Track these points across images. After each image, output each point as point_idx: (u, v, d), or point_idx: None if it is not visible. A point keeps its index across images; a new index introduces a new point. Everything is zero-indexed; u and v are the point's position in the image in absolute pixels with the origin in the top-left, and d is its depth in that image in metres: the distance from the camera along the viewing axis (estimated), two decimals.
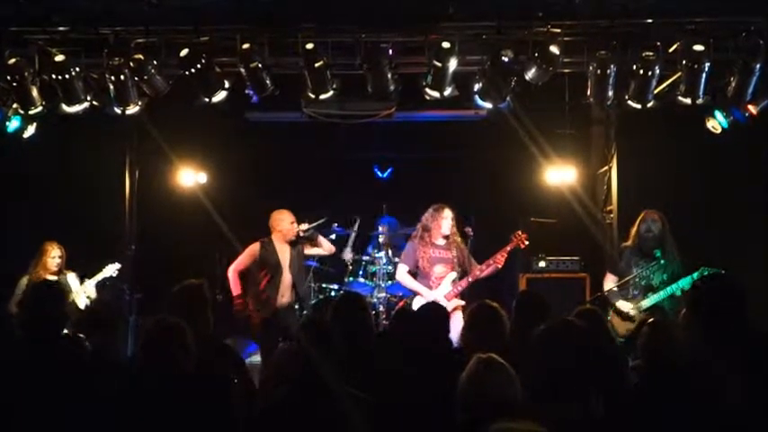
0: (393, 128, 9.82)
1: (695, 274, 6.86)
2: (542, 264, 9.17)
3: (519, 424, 1.53)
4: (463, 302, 7.88)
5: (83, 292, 8.27)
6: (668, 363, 4.34)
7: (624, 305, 7.30)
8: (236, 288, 8.07)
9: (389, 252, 9.42)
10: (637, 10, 7.08)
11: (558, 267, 9.17)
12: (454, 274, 7.92)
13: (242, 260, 8.19)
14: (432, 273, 7.98)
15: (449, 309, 7.52)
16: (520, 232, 8.09)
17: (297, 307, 8.34)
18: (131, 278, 9.41)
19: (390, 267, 9.12)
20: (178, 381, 3.89)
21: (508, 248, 7.97)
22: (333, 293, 9.34)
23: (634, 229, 7.48)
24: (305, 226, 8.32)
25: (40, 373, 4.06)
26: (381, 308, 9.08)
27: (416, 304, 7.90)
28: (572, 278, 9.10)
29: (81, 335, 4.56)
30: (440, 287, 7.91)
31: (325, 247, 8.58)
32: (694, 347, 3.69)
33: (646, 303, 7.23)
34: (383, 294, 9.16)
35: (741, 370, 3.44)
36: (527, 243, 8.13)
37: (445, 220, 8.00)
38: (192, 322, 4.33)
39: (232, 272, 8.11)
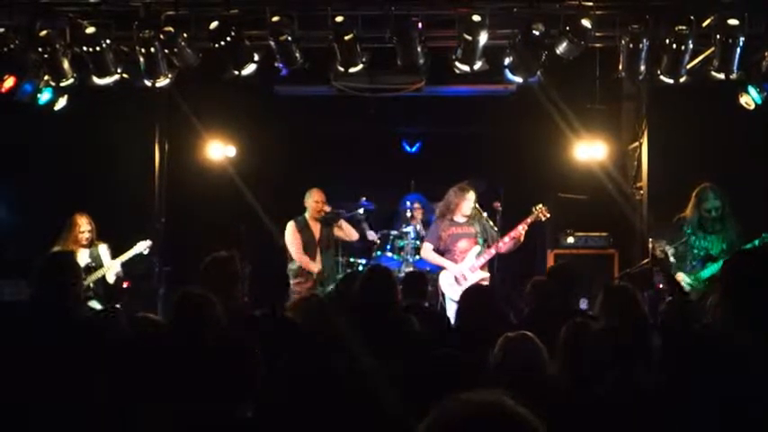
0: (422, 102, 9.81)
1: (756, 241, 6.80)
2: (571, 240, 9.13)
3: None
4: (488, 275, 7.93)
5: (115, 266, 8.17)
6: (687, 338, 4.30)
7: (682, 278, 7.14)
8: (312, 265, 8.41)
9: (417, 227, 9.41)
10: None
11: (587, 243, 9.13)
12: (478, 248, 7.97)
13: (295, 240, 8.46)
14: (456, 248, 8.03)
15: (474, 281, 7.56)
16: (540, 205, 8.07)
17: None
18: (161, 250, 9.46)
19: (418, 242, 9.12)
20: (200, 350, 3.89)
21: (528, 221, 7.97)
22: (360, 267, 9.36)
23: (692, 202, 7.22)
24: (327, 209, 8.58)
25: (46, 343, 4.05)
26: None
27: (443, 278, 7.96)
28: (600, 254, 9.07)
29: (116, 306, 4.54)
30: (464, 261, 7.95)
31: (346, 232, 8.83)
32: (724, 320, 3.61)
33: (705, 273, 7.03)
34: (410, 269, 9.16)
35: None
36: (548, 216, 8.11)
37: (467, 202, 8.03)
38: (223, 294, 4.35)
39: (300, 255, 8.40)
